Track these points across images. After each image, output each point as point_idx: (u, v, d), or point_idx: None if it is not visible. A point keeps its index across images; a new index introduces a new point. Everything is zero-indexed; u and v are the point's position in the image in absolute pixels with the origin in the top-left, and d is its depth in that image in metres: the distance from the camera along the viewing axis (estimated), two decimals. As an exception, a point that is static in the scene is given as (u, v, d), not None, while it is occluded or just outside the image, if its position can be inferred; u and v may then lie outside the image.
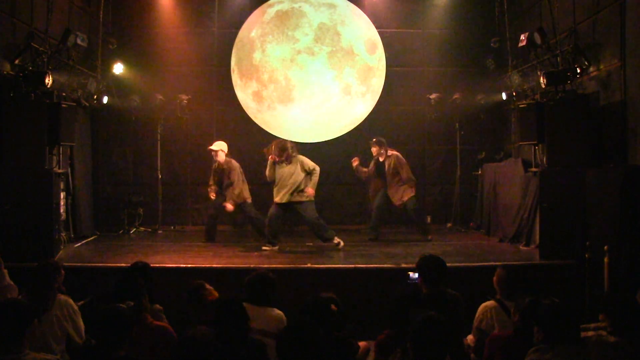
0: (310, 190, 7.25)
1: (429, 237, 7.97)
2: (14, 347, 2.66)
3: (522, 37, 7.52)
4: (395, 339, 3.19)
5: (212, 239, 7.96)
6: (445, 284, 3.82)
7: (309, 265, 6.22)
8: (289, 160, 7.30)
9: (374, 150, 8.10)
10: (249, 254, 7.00)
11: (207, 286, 4.10)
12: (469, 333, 3.87)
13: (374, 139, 8.13)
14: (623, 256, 5.14)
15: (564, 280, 5.86)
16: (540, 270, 6.06)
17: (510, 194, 8.00)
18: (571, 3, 6.95)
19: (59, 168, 7.11)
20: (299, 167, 7.29)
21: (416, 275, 3.91)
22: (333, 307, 3.38)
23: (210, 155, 8.09)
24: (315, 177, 7.33)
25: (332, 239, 7.24)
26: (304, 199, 7.23)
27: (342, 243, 7.23)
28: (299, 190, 7.23)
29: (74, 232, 7.98)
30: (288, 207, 7.33)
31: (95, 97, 8.25)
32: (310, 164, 7.37)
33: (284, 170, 7.29)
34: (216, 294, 4.05)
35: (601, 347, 3.04)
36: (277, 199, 7.28)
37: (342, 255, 6.92)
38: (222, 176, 7.96)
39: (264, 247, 7.18)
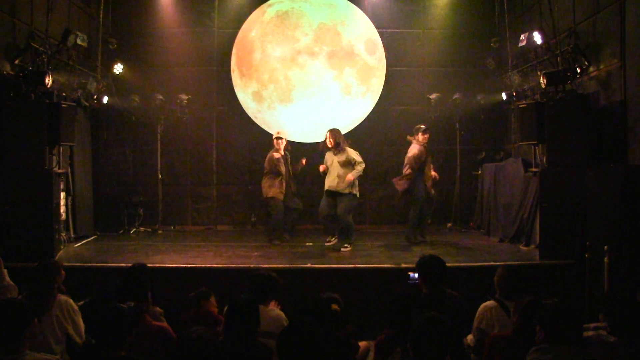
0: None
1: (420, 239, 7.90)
2: (13, 347, 2.66)
3: (522, 37, 7.52)
4: (395, 339, 3.18)
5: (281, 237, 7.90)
6: (445, 284, 3.82)
7: (309, 265, 6.22)
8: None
9: (425, 137, 7.70)
10: (249, 253, 6.99)
11: (212, 300, 4.11)
12: (469, 333, 3.86)
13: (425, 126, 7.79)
14: (623, 256, 5.14)
15: (564, 280, 5.86)
16: (540, 270, 6.06)
17: (510, 194, 8.00)
18: (571, 3, 6.95)
19: (59, 168, 7.11)
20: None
21: (416, 275, 3.90)
22: (336, 307, 3.39)
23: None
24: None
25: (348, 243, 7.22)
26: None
27: (349, 249, 7.19)
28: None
29: (74, 232, 7.97)
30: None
31: (95, 97, 8.25)
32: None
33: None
34: (215, 310, 4.09)
35: (601, 347, 3.04)
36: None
37: (342, 255, 6.92)
38: (279, 164, 7.78)
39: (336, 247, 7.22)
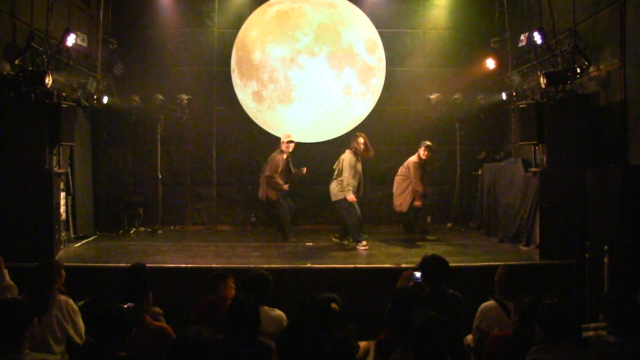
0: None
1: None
2: (13, 347, 2.65)
3: (522, 37, 7.52)
4: (395, 339, 3.18)
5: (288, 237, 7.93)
6: (448, 284, 3.83)
7: (309, 265, 6.22)
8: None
9: (428, 153, 7.86)
10: (249, 253, 7.00)
11: (230, 282, 4.12)
12: (469, 333, 3.86)
13: (430, 142, 7.94)
14: (623, 256, 5.14)
15: (564, 280, 5.86)
16: (540, 270, 6.06)
17: (510, 194, 8.00)
18: (571, 3, 6.95)
19: (59, 168, 7.10)
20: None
21: (418, 274, 3.90)
22: (335, 306, 3.39)
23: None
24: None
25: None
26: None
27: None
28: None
29: (74, 232, 7.98)
30: None
31: (95, 97, 8.25)
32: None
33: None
34: (233, 292, 4.09)
35: (601, 347, 3.04)
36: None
37: (342, 255, 6.92)
38: (288, 166, 7.93)
39: (361, 246, 7.28)
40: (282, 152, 7.87)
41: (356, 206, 7.34)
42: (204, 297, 4.09)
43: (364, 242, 7.33)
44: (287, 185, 7.87)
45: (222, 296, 4.03)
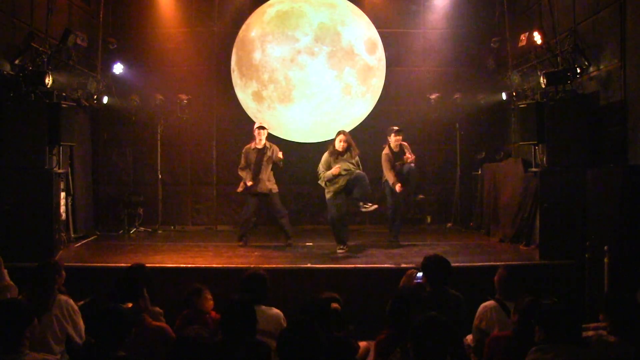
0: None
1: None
2: (13, 347, 2.66)
3: (522, 37, 7.52)
4: (395, 339, 3.18)
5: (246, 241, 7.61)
6: (449, 284, 3.83)
7: (309, 265, 6.21)
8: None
9: (398, 138, 7.46)
10: (249, 253, 6.99)
11: (206, 294, 4.12)
12: (469, 333, 3.87)
13: (398, 127, 7.53)
14: (623, 256, 5.14)
15: (564, 280, 5.86)
16: (540, 270, 6.06)
17: (510, 194, 8.00)
18: (571, 3, 6.95)
19: (59, 168, 7.10)
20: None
21: (420, 274, 3.91)
22: (337, 305, 3.39)
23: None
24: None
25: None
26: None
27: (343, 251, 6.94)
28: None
29: (74, 232, 7.97)
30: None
31: (95, 97, 8.26)
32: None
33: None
34: (211, 303, 4.12)
35: (601, 347, 3.04)
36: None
37: (342, 255, 6.90)
38: (261, 158, 7.48)
39: (339, 250, 6.88)
40: (254, 141, 7.55)
41: (333, 205, 6.96)
42: (183, 312, 4.08)
43: (342, 246, 6.93)
44: (250, 181, 7.43)
45: (200, 310, 4.05)
